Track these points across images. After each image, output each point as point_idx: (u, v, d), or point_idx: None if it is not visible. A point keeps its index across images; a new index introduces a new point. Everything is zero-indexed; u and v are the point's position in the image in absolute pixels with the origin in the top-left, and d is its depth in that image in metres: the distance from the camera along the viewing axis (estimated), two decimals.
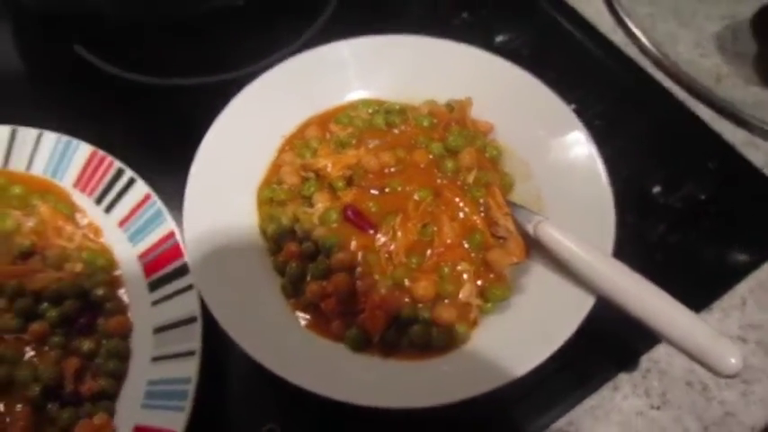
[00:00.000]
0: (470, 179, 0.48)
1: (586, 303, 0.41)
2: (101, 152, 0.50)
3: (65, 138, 0.50)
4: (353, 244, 0.44)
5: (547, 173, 0.48)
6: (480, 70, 0.53)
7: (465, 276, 0.44)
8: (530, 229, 0.44)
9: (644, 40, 0.63)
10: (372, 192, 0.47)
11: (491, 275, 0.45)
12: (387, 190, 0.47)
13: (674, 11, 0.66)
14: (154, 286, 0.45)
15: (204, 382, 0.41)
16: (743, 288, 0.50)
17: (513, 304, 0.44)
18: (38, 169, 0.50)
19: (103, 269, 0.46)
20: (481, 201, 0.47)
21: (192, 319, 0.43)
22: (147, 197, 0.48)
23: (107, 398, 0.42)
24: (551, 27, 0.65)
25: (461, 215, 0.46)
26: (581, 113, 0.49)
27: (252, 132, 0.50)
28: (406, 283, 0.43)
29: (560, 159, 0.48)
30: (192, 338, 0.42)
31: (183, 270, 0.45)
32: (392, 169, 0.48)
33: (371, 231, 0.45)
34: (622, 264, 0.41)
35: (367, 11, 0.64)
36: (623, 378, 0.46)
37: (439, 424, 0.43)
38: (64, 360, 0.42)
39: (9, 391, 0.41)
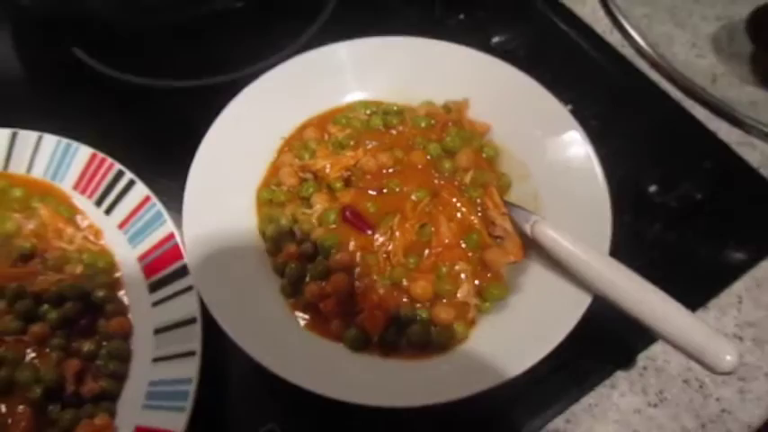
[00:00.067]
0: (468, 179, 0.48)
1: (583, 302, 0.41)
2: (100, 154, 0.50)
3: (65, 140, 0.51)
4: (352, 244, 0.45)
5: (544, 173, 0.49)
6: (477, 71, 0.53)
7: (463, 276, 0.45)
8: (527, 228, 0.45)
9: (640, 40, 0.63)
10: (370, 192, 0.47)
11: (488, 275, 0.45)
12: (385, 191, 0.47)
13: (670, 12, 0.67)
14: (154, 287, 0.45)
15: (204, 383, 0.41)
16: (739, 286, 0.50)
17: (511, 303, 0.44)
18: (38, 172, 0.50)
19: (104, 271, 0.47)
20: (478, 201, 0.47)
21: (192, 320, 0.43)
22: (146, 199, 0.48)
23: (108, 399, 0.42)
24: (548, 28, 0.66)
25: (459, 215, 0.46)
26: (577, 114, 0.49)
27: (251, 134, 0.50)
28: (405, 283, 0.44)
29: (557, 159, 0.48)
30: (193, 339, 0.42)
31: (182, 271, 0.45)
32: (390, 170, 0.48)
33: (370, 232, 0.45)
34: (619, 263, 0.41)
35: (365, 13, 0.64)
36: (620, 376, 0.46)
37: (438, 423, 0.43)
38: (65, 361, 0.43)
39: (10, 393, 0.42)
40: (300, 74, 0.53)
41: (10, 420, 0.41)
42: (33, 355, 0.43)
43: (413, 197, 0.47)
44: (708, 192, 0.54)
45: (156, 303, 0.45)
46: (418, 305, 0.43)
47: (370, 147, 0.49)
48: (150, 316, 0.45)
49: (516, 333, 0.42)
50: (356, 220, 0.46)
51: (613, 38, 0.64)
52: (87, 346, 0.43)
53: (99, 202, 0.49)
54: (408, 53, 0.54)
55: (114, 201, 0.49)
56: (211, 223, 0.46)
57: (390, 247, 0.45)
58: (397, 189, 0.47)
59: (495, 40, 0.64)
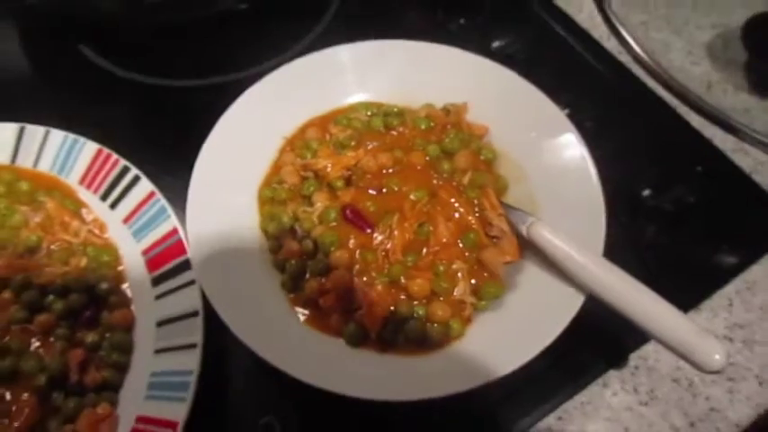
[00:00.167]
0: (466, 180, 0.49)
1: (577, 302, 0.42)
2: (106, 150, 0.51)
3: (71, 136, 0.51)
4: (352, 242, 0.45)
5: (540, 175, 0.49)
6: (476, 75, 0.54)
7: (459, 275, 0.45)
8: (523, 229, 0.45)
9: (636, 47, 0.63)
10: (370, 192, 0.48)
11: (485, 274, 0.46)
12: (384, 190, 0.48)
13: (667, 19, 0.67)
14: (157, 281, 0.46)
15: (205, 375, 0.42)
16: (730, 289, 0.51)
17: (506, 302, 0.45)
18: (45, 166, 0.51)
19: (108, 264, 0.47)
20: (476, 201, 0.48)
21: (194, 314, 0.44)
22: (151, 194, 0.49)
23: (110, 389, 0.43)
24: (546, 33, 0.67)
25: (457, 215, 0.47)
26: (574, 118, 0.50)
27: (254, 133, 0.51)
28: (403, 280, 0.44)
29: (553, 162, 0.49)
30: (194, 332, 0.43)
31: (185, 266, 0.46)
32: (390, 170, 0.49)
33: (369, 230, 0.46)
34: (612, 264, 0.42)
35: (367, 16, 0.65)
36: (612, 375, 0.47)
37: (432, 417, 0.44)
38: (69, 351, 0.43)
39: (15, 381, 0.42)
40: (303, 75, 0.54)
41: (15, 407, 0.41)
42: (38, 344, 0.44)
43: (412, 197, 0.47)
44: (701, 196, 0.55)
45: (158, 296, 0.46)
46: (415, 302, 0.44)
47: (370, 147, 0.50)
48: (153, 308, 0.45)
49: (511, 331, 0.43)
50: (356, 219, 0.46)
51: (610, 44, 0.65)
52: (91, 337, 0.44)
53: (104, 197, 0.50)
54: (409, 56, 0.55)
55: (119, 196, 0.50)
56: (214, 220, 0.47)
57: (389, 246, 0.45)
58: (397, 189, 0.48)
59: (495, 44, 0.64)
